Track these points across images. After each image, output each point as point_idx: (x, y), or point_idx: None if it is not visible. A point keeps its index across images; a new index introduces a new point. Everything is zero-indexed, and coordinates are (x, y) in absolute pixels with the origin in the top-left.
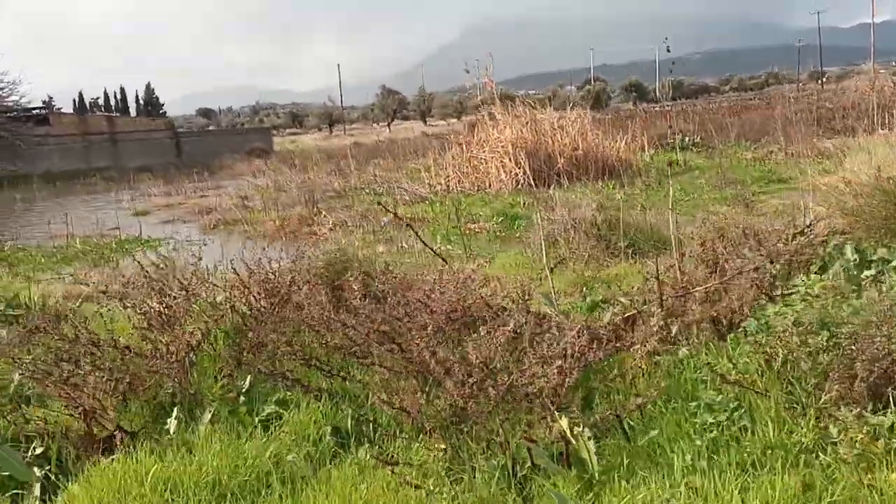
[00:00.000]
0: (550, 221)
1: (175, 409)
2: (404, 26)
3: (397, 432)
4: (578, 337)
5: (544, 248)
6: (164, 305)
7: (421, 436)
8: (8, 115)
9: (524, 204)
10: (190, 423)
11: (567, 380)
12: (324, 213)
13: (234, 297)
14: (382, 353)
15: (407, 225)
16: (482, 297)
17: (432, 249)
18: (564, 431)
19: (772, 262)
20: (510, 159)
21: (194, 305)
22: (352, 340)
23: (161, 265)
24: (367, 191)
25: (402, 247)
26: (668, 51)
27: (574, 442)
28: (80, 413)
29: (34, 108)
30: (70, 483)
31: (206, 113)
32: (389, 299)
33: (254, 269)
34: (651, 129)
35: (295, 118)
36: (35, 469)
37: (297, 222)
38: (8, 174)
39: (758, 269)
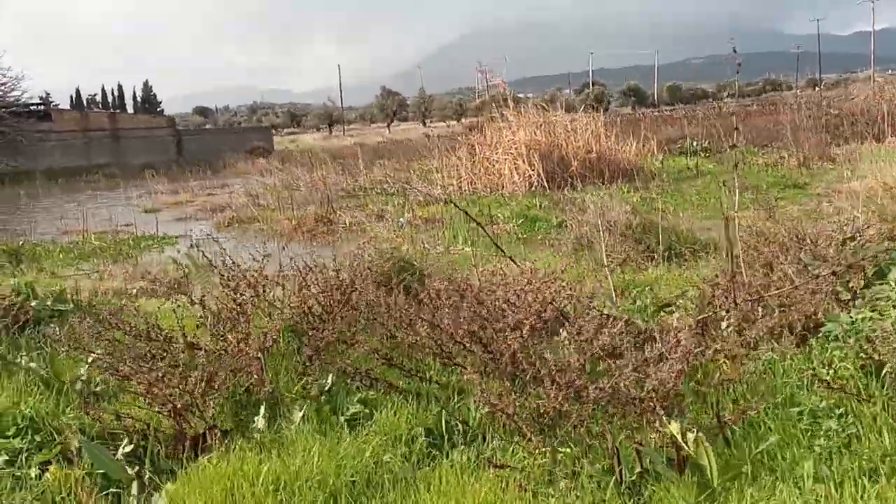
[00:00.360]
0: (580, 223)
1: (262, 408)
2: (403, 28)
3: (488, 434)
4: (676, 340)
5: (603, 249)
6: (236, 302)
7: (516, 438)
8: (10, 110)
9: (541, 206)
10: (273, 421)
11: (679, 383)
12: (338, 212)
13: (299, 295)
14: (464, 353)
15: (478, 225)
16: (568, 298)
17: (504, 252)
18: (675, 436)
19: (836, 269)
20: (524, 161)
21: (261, 303)
22: (434, 340)
23: (226, 262)
24: (378, 190)
25: (423, 247)
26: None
27: (685, 447)
28: (168, 411)
29: (36, 104)
30: (168, 482)
31: (203, 112)
32: (467, 300)
33: (311, 267)
34: (658, 133)
35: (293, 118)
36: (126, 467)
37: (314, 221)
38: (10, 170)
39: (836, 274)
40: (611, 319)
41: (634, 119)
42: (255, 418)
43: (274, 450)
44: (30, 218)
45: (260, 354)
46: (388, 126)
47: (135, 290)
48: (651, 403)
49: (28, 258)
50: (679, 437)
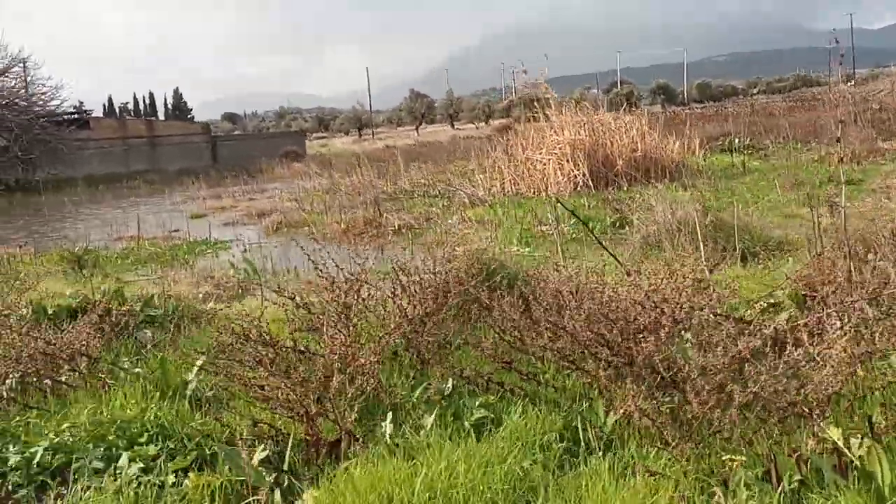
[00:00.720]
0: (643, 222)
1: (389, 413)
2: (425, 32)
3: (626, 440)
4: (828, 342)
5: (702, 248)
6: (345, 305)
7: (656, 443)
8: (50, 119)
9: (589, 206)
10: (398, 427)
11: (842, 387)
12: (385, 215)
13: (402, 297)
14: (588, 357)
15: (590, 231)
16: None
17: (618, 261)
18: (836, 442)
19: None
20: (568, 161)
21: (364, 306)
22: (555, 343)
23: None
24: (420, 193)
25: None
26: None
27: (847, 454)
28: (301, 416)
29: (75, 113)
30: (308, 488)
31: (231, 118)
32: (586, 302)
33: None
34: (697, 130)
35: (321, 122)
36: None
37: (363, 224)
38: (51, 178)
39: None
40: (736, 321)
41: (672, 117)
42: (383, 424)
43: (420, 456)
44: (78, 225)
45: (375, 358)
46: (417, 128)
47: (201, 295)
48: (805, 408)
49: (90, 264)
50: (840, 443)
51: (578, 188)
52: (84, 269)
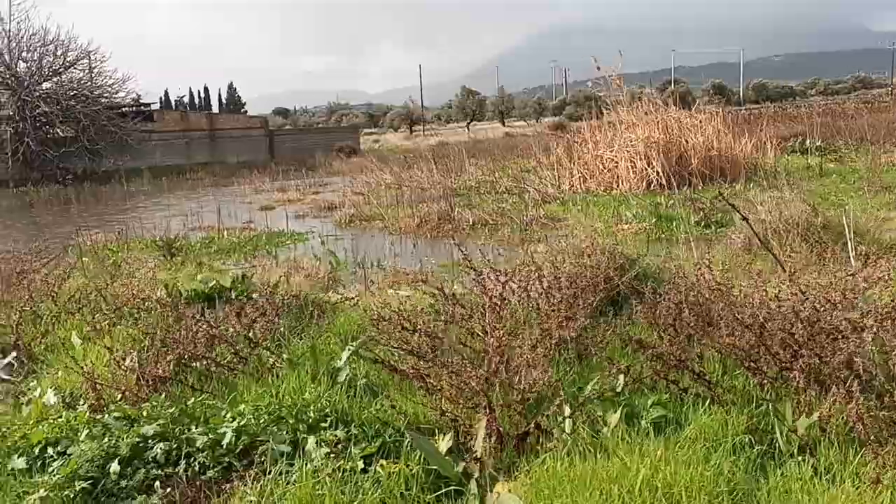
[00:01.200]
0: (753, 222)
1: (567, 408)
2: (472, 30)
3: (816, 443)
4: None
5: (851, 246)
6: (500, 297)
7: (853, 447)
8: (117, 111)
9: (667, 205)
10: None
11: None
12: (457, 210)
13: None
14: (768, 358)
15: (745, 221)
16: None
17: (780, 263)
18: None
19: None
20: (641, 159)
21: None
22: (739, 340)
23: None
24: (485, 189)
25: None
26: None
27: None
28: (483, 407)
29: (141, 105)
30: (500, 480)
31: (283, 112)
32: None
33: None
34: (765, 130)
35: (371, 118)
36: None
37: (437, 219)
38: (117, 168)
39: None
40: None
41: (737, 116)
42: (560, 419)
43: (626, 453)
44: (151, 214)
45: (542, 352)
46: (468, 125)
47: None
48: None
49: (180, 253)
50: None
51: (652, 187)
52: (174, 256)
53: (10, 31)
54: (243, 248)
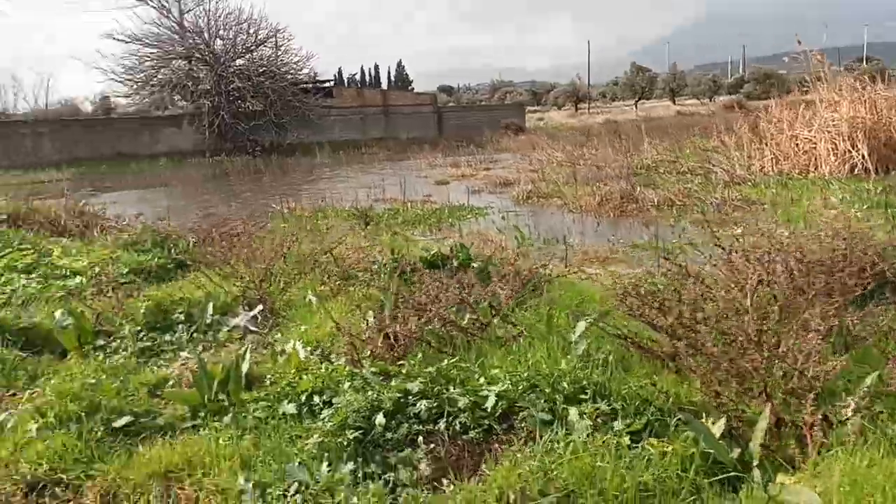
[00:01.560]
0: None
1: (852, 401)
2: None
3: None
4: None
5: None
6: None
7: None
8: (301, 87)
9: (876, 191)
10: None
11: None
12: (640, 189)
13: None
14: None
15: None
16: None
17: None
18: None
19: None
20: (844, 140)
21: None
22: None
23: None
24: (666, 169)
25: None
26: None
27: None
28: (760, 394)
29: (323, 81)
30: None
31: (447, 90)
32: None
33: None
34: None
35: (535, 95)
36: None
37: (620, 198)
38: (300, 142)
39: None
40: None
41: None
42: (848, 412)
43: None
44: (335, 185)
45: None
46: (636, 103)
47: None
48: None
49: (373, 222)
50: None
51: (856, 171)
52: (369, 225)
53: (209, 10)
54: (427, 220)
